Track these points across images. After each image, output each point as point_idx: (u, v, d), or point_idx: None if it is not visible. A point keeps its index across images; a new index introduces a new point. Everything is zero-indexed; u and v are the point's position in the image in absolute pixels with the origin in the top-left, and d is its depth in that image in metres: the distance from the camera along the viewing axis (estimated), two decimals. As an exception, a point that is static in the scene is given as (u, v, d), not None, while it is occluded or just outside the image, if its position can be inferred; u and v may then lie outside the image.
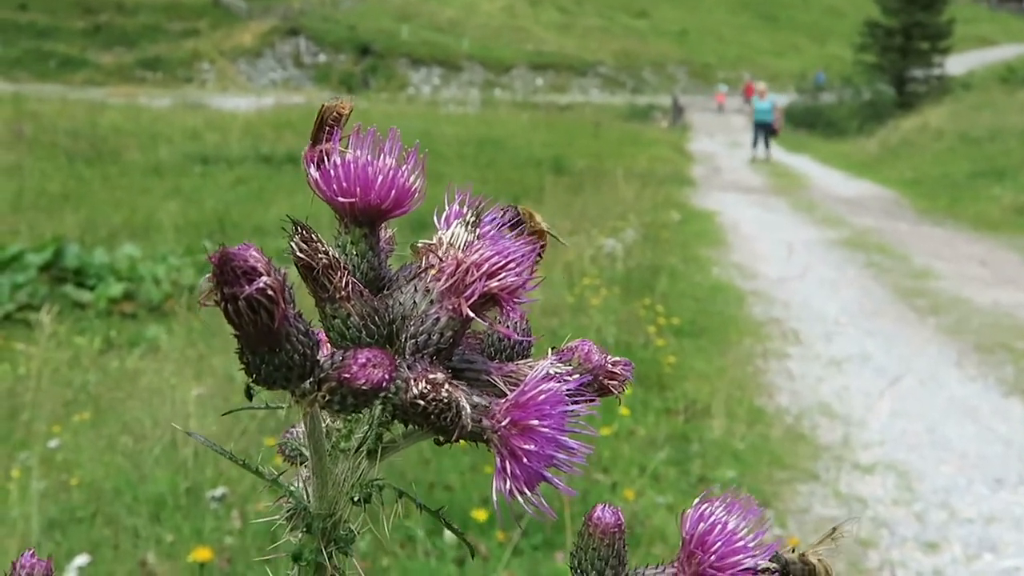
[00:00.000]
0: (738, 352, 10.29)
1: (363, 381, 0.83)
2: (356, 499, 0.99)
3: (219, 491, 5.23)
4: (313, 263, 0.89)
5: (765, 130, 35.27)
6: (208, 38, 72.06)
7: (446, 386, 0.85)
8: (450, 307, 0.87)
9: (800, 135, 48.70)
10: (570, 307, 10.01)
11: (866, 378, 9.58)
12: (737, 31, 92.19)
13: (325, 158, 0.98)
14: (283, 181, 20.10)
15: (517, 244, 0.88)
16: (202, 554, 4.02)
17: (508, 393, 0.90)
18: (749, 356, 10.22)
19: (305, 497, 0.98)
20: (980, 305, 12.75)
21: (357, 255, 0.97)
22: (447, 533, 4.65)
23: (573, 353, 1.05)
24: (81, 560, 4.20)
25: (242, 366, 0.88)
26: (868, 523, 6.42)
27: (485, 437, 0.90)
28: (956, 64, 57.89)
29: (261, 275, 0.80)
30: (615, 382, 1.07)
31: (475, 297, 0.86)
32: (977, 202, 23.02)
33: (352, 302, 0.89)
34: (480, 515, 4.93)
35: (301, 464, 1.03)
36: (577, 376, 0.96)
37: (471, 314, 0.86)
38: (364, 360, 0.84)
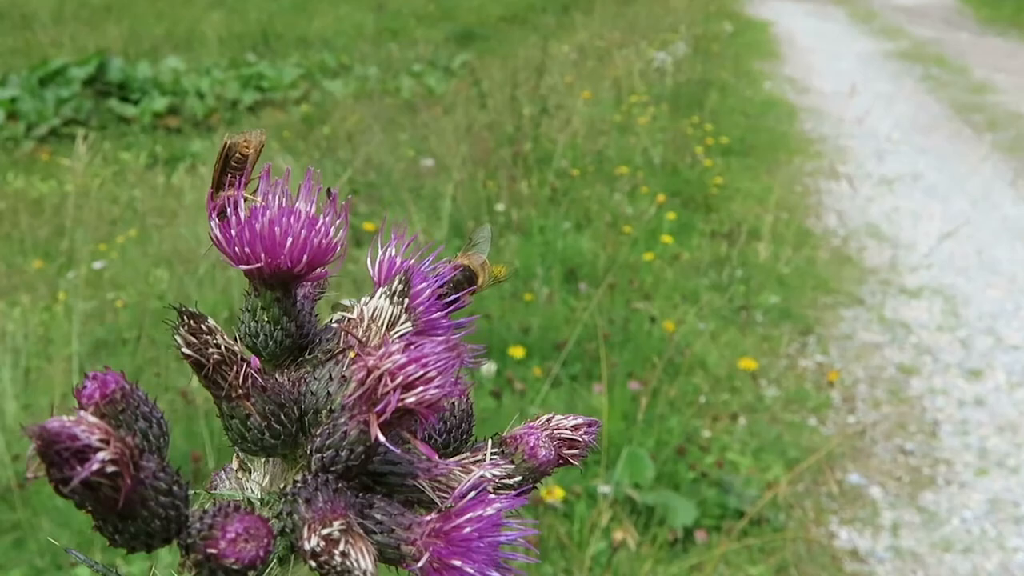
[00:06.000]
0: (787, 171, 10.11)
1: (232, 560, 0.70)
2: None
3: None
4: (203, 360, 0.77)
5: None
6: None
7: (342, 545, 0.71)
8: (361, 420, 0.73)
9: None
10: (617, 126, 9.84)
11: (917, 198, 9.40)
12: None
13: (229, 207, 0.83)
14: (328, -10, 19.71)
15: (438, 349, 0.72)
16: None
17: (437, 501, 0.78)
18: (798, 175, 10.05)
19: None
20: (1041, 121, 12.41)
21: (269, 321, 0.85)
22: (484, 366, 4.65)
23: (517, 445, 0.89)
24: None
25: (95, 526, 0.73)
26: (911, 350, 6.37)
27: (406, 565, 0.76)
28: None
29: (97, 451, 0.65)
30: (576, 451, 0.92)
31: (388, 413, 0.71)
32: (1044, 10, 22.19)
33: (252, 400, 0.76)
34: (517, 352, 4.93)
35: None
36: (515, 487, 0.83)
37: (381, 437, 0.71)
38: (234, 534, 0.70)
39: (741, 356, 5.69)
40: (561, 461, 0.90)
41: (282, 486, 0.78)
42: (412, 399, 0.71)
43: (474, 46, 15.75)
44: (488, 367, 4.65)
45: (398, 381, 0.71)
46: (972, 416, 5.64)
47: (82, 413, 0.68)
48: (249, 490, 0.83)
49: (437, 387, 0.71)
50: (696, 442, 4.93)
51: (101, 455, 0.66)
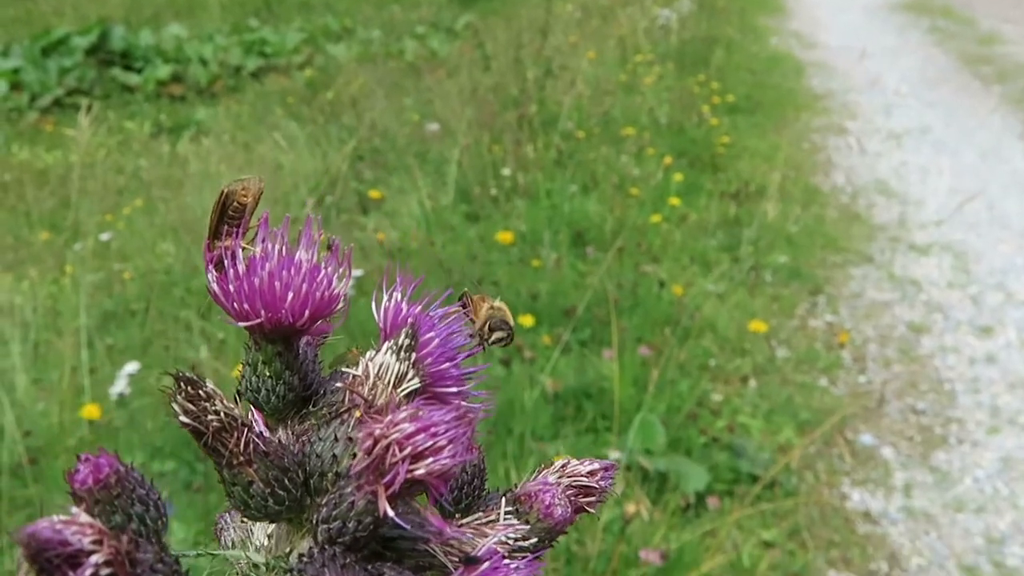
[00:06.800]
0: (794, 128, 10.05)
1: None
2: None
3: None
4: (202, 428, 0.73)
5: None
6: None
7: None
8: (369, 491, 0.70)
9: None
10: (622, 86, 9.78)
11: (925, 153, 9.34)
12: None
13: (227, 259, 0.80)
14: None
15: (447, 417, 0.69)
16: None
17: (450, 567, 0.75)
18: (806, 132, 9.99)
19: None
20: (1050, 73, 12.30)
21: (271, 376, 0.82)
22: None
23: (531, 503, 0.86)
24: (131, 368, 4.25)
25: None
26: (921, 307, 6.35)
27: None
28: None
29: (90, 554, 0.62)
30: (592, 498, 0.89)
31: (397, 485, 0.68)
32: (1052, -42, 21.94)
33: (254, 466, 0.74)
34: (527, 320, 4.91)
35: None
36: (531, 548, 0.80)
37: (390, 512, 0.68)
38: None
39: (751, 318, 5.67)
40: (578, 510, 0.88)
41: (287, 550, 0.76)
42: (422, 471, 0.67)
43: (477, 6, 15.63)
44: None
45: (407, 451, 0.67)
46: (983, 374, 5.62)
47: (74, 511, 0.65)
48: (256, 541, 0.81)
49: (448, 457, 0.68)
50: (707, 406, 4.92)
51: (94, 558, 0.62)
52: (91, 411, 3.96)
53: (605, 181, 7.37)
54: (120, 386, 4.09)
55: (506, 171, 7.27)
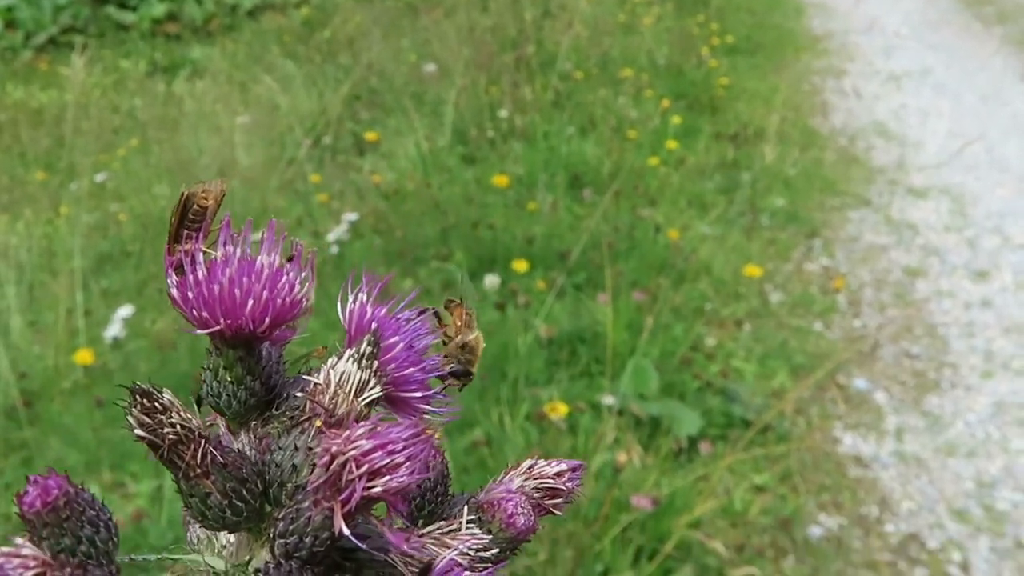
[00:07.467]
0: (794, 70, 9.97)
1: None
2: None
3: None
4: (158, 441, 0.72)
5: None
6: None
7: None
8: (326, 508, 0.68)
9: None
10: (621, 26, 9.69)
11: (925, 95, 9.28)
12: None
13: (186, 263, 0.78)
14: None
15: (405, 434, 0.68)
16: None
17: None
18: (805, 73, 9.92)
19: None
20: (1052, 14, 12.19)
21: (232, 381, 0.80)
22: (488, 277, 4.63)
23: (494, 512, 0.84)
24: (125, 311, 4.24)
25: None
26: (918, 251, 6.34)
27: None
28: None
29: None
30: (559, 500, 0.87)
31: (353, 503, 0.66)
32: None
33: (211, 478, 0.73)
34: (521, 266, 4.90)
35: None
36: (493, 559, 0.79)
37: (345, 530, 0.67)
38: None
39: (747, 261, 5.66)
40: (544, 511, 0.87)
41: (247, 558, 0.76)
42: (379, 488, 0.66)
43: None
44: (491, 280, 4.64)
45: (363, 469, 0.66)
46: (978, 318, 5.62)
47: (18, 541, 0.65)
48: (222, 539, 0.81)
49: (405, 475, 0.67)
50: (701, 350, 4.93)
51: None
52: (84, 356, 3.97)
53: (603, 123, 7.34)
54: (114, 329, 4.10)
55: (503, 113, 7.23)
